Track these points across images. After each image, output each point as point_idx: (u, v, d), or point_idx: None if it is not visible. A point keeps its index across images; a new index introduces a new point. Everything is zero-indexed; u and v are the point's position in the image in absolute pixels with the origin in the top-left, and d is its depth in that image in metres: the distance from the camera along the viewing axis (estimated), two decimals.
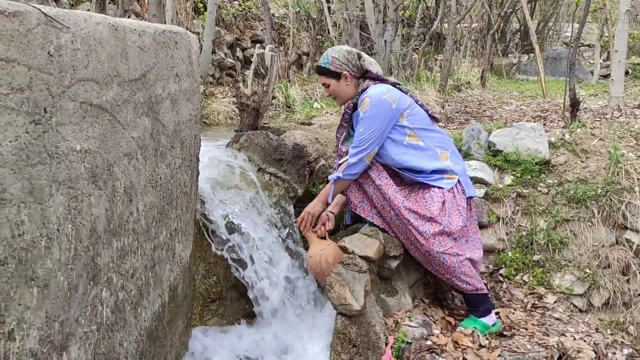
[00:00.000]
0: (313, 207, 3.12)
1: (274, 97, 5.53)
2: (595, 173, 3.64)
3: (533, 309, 3.17)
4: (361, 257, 2.74)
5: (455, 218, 2.84)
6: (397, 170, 2.96)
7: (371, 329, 2.66)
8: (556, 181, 3.70)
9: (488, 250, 3.55)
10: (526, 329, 2.92)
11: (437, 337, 2.71)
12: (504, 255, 3.50)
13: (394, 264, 2.92)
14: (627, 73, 6.88)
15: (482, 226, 3.55)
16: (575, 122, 4.50)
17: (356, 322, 2.62)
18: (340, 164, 3.02)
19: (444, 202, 2.84)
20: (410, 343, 2.65)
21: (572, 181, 3.64)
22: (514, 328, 2.92)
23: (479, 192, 3.63)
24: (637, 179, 3.49)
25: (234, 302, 3.13)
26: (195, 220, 2.81)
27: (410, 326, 2.75)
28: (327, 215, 3.14)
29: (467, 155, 3.91)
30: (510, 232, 3.59)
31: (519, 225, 3.59)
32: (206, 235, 2.97)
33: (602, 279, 3.34)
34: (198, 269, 2.95)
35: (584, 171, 3.68)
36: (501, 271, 3.46)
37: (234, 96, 4.42)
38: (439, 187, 2.89)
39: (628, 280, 3.35)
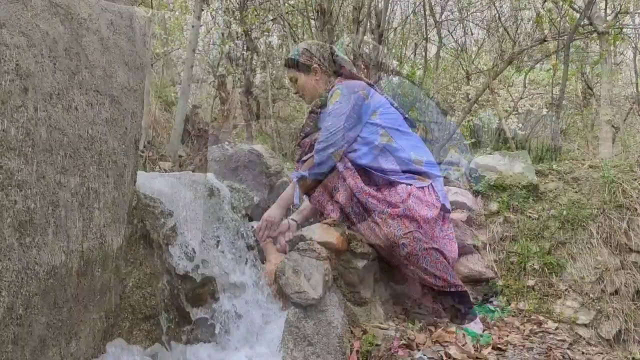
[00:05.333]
0: (272, 213, 2.66)
1: None
2: (589, 195, 3.27)
3: (531, 335, 2.65)
4: (320, 243, 2.30)
5: (421, 208, 2.43)
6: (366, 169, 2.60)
7: (333, 330, 2.15)
8: (547, 206, 3.31)
9: (475, 280, 3.08)
10: (524, 346, 2.40)
11: (415, 336, 2.19)
12: (492, 284, 3.02)
13: (360, 264, 2.44)
14: None
15: (467, 252, 3.11)
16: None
17: (313, 317, 2.13)
18: (304, 161, 2.65)
19: (409, 194, 2.46)
20: (379, 345, 2.13)
21: (564, 205, 3.26)
22: (510, 343, 2.40)
23: (461, 215, 3.23)
24: (637, 197, 3.12)
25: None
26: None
27: (381, 328, 2.23)
28: (288, 224, 2.70)
29: (446, 183, 3.55)
30: (499, 259, 3.14)
31: (509, 251, 3.15)
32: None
33: (610, 305, 2.86)
34: (132, 273, 2.46)
35: (576, 195, 3.32)
36: (493, 301, 2.97)
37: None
38: (407, 184, 2.52)
39: None
